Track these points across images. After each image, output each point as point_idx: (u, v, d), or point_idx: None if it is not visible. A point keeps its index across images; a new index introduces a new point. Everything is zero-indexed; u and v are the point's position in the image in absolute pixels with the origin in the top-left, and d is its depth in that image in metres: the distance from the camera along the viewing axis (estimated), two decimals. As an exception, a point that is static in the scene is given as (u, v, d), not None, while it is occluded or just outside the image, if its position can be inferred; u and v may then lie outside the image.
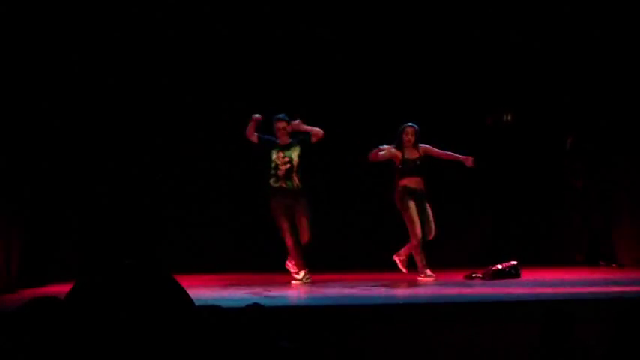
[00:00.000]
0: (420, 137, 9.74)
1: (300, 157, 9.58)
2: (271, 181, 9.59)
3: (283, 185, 9.56)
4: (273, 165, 9.58)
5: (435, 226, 9.62)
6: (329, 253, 10.95)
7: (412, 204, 9.58)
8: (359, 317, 6.92)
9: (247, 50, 11.33)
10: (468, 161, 9.73)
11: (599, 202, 11.32)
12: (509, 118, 12.11)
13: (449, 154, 9.81)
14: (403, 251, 9.67)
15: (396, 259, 9.66)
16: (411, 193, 9.63)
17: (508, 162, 11.75)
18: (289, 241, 9.44)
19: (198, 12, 11.11)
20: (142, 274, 1.82)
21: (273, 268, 9.78)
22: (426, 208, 9.64)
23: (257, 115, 9.58)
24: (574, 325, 5.19)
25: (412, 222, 9.53)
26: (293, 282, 9.39)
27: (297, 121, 9.61)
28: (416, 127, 9.74)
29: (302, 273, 9.46)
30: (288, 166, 9.57)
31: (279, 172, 9.56)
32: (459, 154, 9.83)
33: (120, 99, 11.04)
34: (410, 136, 9.68)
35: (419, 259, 9.60)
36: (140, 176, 11.19)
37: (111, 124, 10.97)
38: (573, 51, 11.22)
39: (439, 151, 9.78)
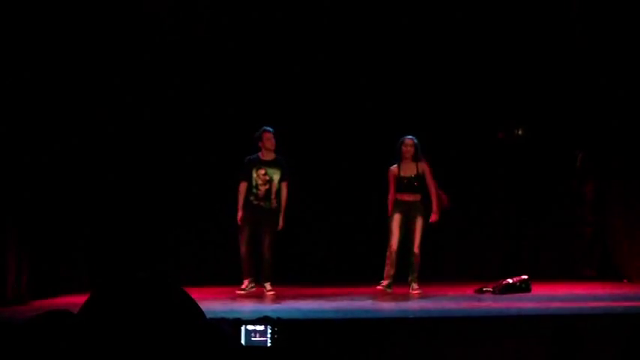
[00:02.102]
0: (423, 149, 9.75)
1: (280, 180, 9.64)
2: (251, 198, 9.65)
3: (262, 204, 9.63)
4: (253, 183, 9.64)
5: (421, 240, 9.59)
6: (329, 266, 11.03)
7: (397, 216, 9.66)
8: (370, 331, 6.91)
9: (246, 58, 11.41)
10: (434, 216, 9.66)
11: (610, 217, 11.31)
12: (520, 132, 12.11)
13: (432, 192, 9.67)
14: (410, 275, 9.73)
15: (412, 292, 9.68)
16: (400, 205, 9.68)
17: (519, 176, 11.74)
18: (243, 250, 9.57)
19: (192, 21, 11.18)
20: (155, 287, 1.83)
21: (283, 281, 9.78)
22: (415, 221, 9.63)
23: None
24: (584, 341, 5.19)
25: (390, 232, 9.63)
26: (238, 292, 9.46)
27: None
28: (415, 139, 9.74)
29: (246, 282, 9.55)
30: (267, 187, 9.63)
31: (259, 193, 9.62)
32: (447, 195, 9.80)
33: (130, 109, 11.08)
34: (409, 147, 9.69)
35: (386, 269, 9.62)
36: (149, 187, 11.24)
37: (121, 134, 11.01)
38: (585, 66, 11.22)
39: (431, 181, 9.69)
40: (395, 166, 9.71)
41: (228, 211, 9.98)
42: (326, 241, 11.44)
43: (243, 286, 9.53)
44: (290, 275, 10.33)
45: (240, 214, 9.58)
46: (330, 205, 11.47)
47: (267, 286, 9.62)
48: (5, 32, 9.24)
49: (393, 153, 9.76)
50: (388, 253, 9.64)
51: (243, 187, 9.65)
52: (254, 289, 9.55)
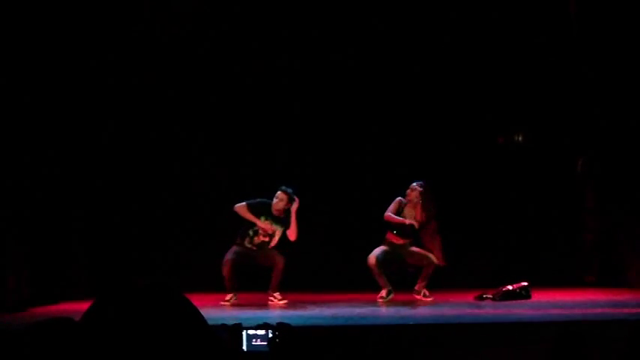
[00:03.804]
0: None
1: (284, 231, 9.57)
2: (245, 241, 9.60)
3: (253, 248, 9.60)
4: (252, 230, 9.58)
5: (443, 253, 9.62)
6: (330, 273, 11.03)
7: (385, 247, 9.66)
8: (370, 337, 6.91)
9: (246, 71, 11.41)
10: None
11: (610, 223, 11.30)
12: (520, 138, 12.11)
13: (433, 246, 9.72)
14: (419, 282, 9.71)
15: (417, 296, 9.67)
16: (389, 244, 9.71)
17: (519, 182, 11.74)
18: (226, 270, 9.42)
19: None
20: (157, 295, 1.83)
21: (283, 287, 9.76)
22: (412, 251, 9.68)
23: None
24: (585, 347, 5.17)
25: (372, 251, 9.63)
26: (222, 302, 9.37)
27: (295, 206, 9.56)
28: (420, 187, 9.68)
29: (230, 295, 9.44)
30: (267, 239, 9.58)
31: (255, 240, 9.58)
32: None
33: (131, 116, 11.09)
34: (411, 193, 9.67)
35: (378, 281, 9.61)
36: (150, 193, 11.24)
37: (122, 141, 11.01)
38: (586, 71, 11.22)
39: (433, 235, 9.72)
40: (403, 200, 9.71)
41: (228, 217, 9.97)
42: (326, 247, 11.42)
43: (227, 298, 9.45)
44: (290, 281, 10.30)
45: (262, 222, 9.52)
46: (330, 210, 11.45)
47: (277, 295, 9.56)
48: (4, 33, 9.25)
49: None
50: (369, 268, 9.64)
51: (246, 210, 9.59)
52: (236, 301, 9.45)
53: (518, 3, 11.37)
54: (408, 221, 9.58)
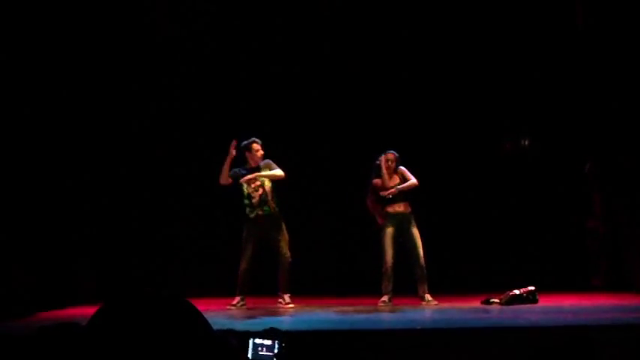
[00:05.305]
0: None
1: (271, 180, 9.53)
2: (247, 210, 9.55)
3: (260, 213, 9.52)
4: (245, 194, 9.54)
5: (424, 252, 9.59)
6: (318, 278, 11.03)
7: (389, 230, 9.66)
8: (377, 342, 6.89)
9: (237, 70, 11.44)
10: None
11: (617, 227, 11.28)
12: (527, 143, 12.10)
13: (404, 186, 9.71)
14: (418, 287, 9.69)
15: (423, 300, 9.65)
16: (392, 218, 9.66)
17: (526, 187, 11.73)
18: (242, 267, 9.45)
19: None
20: (162, 300, 1.83)
21: (292, 291, 9.75)
22: (412, 234, 9.65)
23: (233, 152, 9.52)
24: (593, 351, 5.16)
25: (384, 249, 9.63)
26: (229, 306, 9.35)
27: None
28: (395, 153, 9.76)
29: (237, 299, 9.45)
30: (261, 191, 9.50)
31: (254, 201, 9.51)
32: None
33: (136, 122, 11.11)
34: (391, 163, 9.67)
35: (384, 285, 9.60)
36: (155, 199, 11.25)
37: (125, 148, 11.03)
38: (592, 75, 11.21)
39: (409, 176, 9.74)
40: (378, 179, 9.73)
41: (234, 222, 9.98)
42: (329, 251, 11.42)
43: (234, 302, 9.45)
44: (297, 285, 10.32)
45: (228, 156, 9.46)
46: (333, 214, 11.45)
47: (286, 298, 9.55)
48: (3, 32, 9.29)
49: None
50: (384, 270, 9.63)
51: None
52: (244, 306, 9.45)
53: (526, 9, 11.36)
54: (388, 180, 9.61)
